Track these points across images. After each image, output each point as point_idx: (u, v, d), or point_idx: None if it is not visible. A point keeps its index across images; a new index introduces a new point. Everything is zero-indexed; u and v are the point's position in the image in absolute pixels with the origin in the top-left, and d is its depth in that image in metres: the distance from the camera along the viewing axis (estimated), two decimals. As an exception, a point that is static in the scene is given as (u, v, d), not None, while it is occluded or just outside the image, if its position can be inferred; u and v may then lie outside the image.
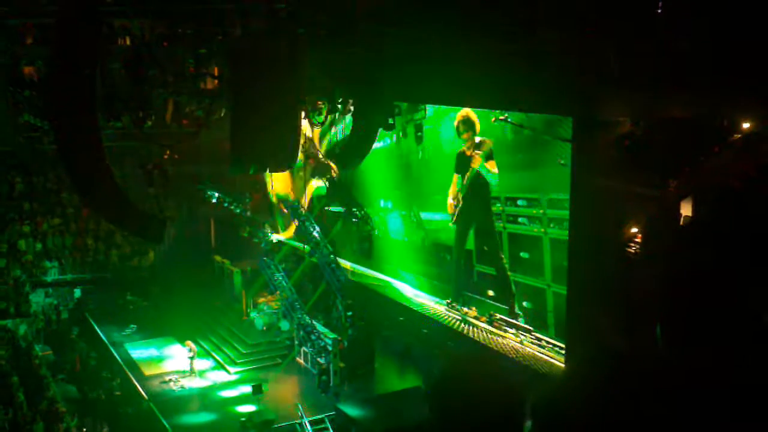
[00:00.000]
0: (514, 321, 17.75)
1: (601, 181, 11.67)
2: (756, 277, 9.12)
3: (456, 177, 19.27)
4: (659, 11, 9.72)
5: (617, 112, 11.56)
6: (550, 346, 16.28)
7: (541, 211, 16.59)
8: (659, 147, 10.80)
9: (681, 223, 10.71)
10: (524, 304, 17.54)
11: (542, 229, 16.57)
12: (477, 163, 18.38)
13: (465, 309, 19.52)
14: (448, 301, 20.24)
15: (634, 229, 11.27)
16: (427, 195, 21.39)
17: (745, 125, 10.05)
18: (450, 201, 19.52)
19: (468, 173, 18.74)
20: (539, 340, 16.70)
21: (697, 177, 10.60)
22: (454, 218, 19.45)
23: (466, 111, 18.36)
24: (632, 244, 11.20)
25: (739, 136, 10.13)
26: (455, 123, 18.78)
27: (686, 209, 10.71)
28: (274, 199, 29.25)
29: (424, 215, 21.84)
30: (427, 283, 21.60)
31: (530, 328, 17.24)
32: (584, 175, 12.51)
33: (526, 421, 1.91)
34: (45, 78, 18.72)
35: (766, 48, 8.72)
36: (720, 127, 10.32)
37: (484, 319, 18.69)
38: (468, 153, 18.72)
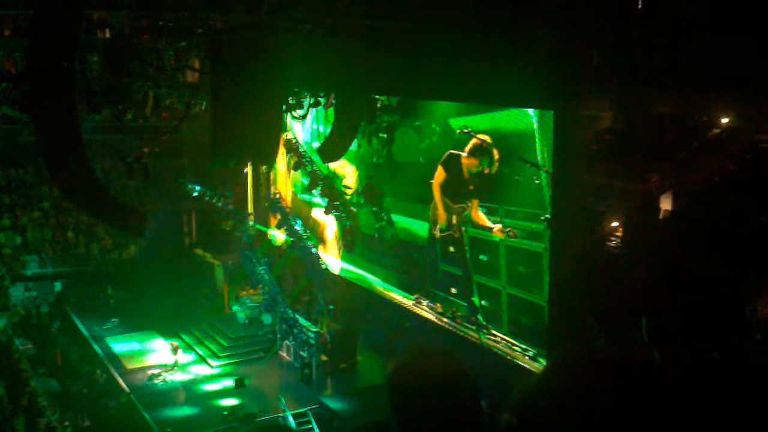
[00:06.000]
0: (473, 318, 18.20)
1: (582, 175, 11.75)
2: (735, 271, 9.22)
3: (441, 200, 19.04)
4: (639, 8, 9.79)
5: (598, 106, 11.63)
6: (504, 342, 17.28)
7: (499, 219, 17.21)
8: (640, 142, 10.88)
9: (661, 217, 10.80)
10: (482, 302, 18.25)
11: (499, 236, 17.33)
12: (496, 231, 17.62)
13: (431, 305, 19.92)
14: (416, 296, 20.44)
15: (615, 223, 11.35)
16: (396, 198, 21.64)
17: (724, 120, 10.15)
18: (437, 229, 19.38)
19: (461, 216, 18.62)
20: (494, 336, 17.65)
21: (676, 171, 10.69)
22: (437, 236, 19.47)
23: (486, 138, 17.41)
24: (613, 238, 11.29)
25: (718, 131, 10.23)
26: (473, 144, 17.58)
27: (666, 203, 10.80)
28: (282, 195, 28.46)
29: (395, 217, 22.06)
30: (395, 278, 21.81)
31: (486, 324, 18.06)
32: (565, 170, 12.58)
33: (503, 416, 1.92)
34: (23, 70, 18.49)
35: (743, 45, 8.81)
36: (699, 122, 10.43)
37: (447, 315, 19.21)
38: (465, 162, 18.11)
